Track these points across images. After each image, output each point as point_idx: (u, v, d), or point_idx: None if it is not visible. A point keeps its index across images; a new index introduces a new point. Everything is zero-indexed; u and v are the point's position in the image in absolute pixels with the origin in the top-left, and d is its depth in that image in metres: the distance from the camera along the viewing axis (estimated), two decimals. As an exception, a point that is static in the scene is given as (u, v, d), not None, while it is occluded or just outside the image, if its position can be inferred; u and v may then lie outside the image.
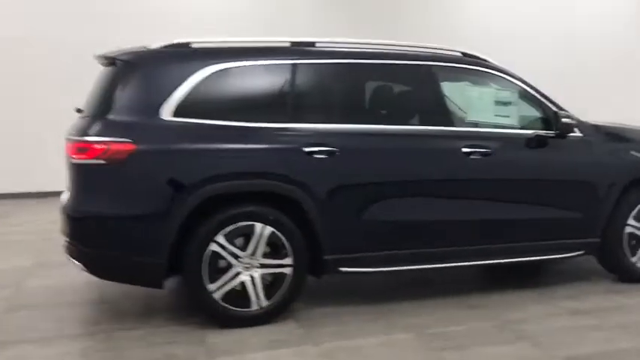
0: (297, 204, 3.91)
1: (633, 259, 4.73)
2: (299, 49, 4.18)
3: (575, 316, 4.11)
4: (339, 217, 4.01)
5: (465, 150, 4.23)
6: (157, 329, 3.87)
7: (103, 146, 3.63)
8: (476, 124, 4.44)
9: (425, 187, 4.22)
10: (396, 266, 4.21)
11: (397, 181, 4.16)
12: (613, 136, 4.84)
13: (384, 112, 4.44)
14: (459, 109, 4.52)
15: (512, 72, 4.58)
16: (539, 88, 4.63)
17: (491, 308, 4.21)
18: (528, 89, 4.55)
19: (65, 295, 4.50)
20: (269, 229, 3.86)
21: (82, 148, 3.67)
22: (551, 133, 4.49)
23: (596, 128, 4.76)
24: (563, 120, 4.39)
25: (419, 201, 4.21)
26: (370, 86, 4.41)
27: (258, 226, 3.84)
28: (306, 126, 4.01)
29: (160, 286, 3.83)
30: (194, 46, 4.03)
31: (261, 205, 3.89)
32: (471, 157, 4.25)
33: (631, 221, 4.69)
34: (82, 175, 3.74)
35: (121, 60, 3.88)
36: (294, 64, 4.06)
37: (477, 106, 4.47)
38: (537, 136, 4.46)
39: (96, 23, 8.74)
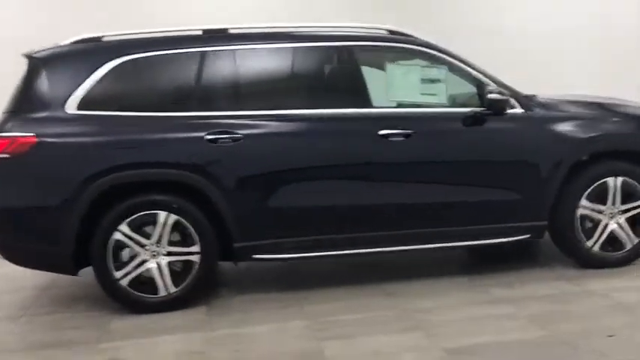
0: (202, 192, 3.93)
1: (589, 244, 4.37)
2: (209, 36, 4.17)
3: (494, 304, 3.87)
4: (246, 204, 3.99)
5: (382, 132, 4.06)
6: (73, 314, 4.05)
7: (7, 140, 3.81)
8: (399, 105, 4.25)
9: (336, 172, 4.11)
10: (313, 252, 4.14)
11: (305, 166, 4.08)
12: (561, 111, 4.46)
13: (294, 96, 4.30)
14: (381, 89, 4.32)
15: (442, 48, 4.33)
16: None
17: (406, 296, 4.04)
18: (461, 65, 4.29)
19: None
20: (173, 217, 3.92)
21: None
22: (486, 110, 4.22)
23: (543, 103, 4.42)
24: (490, 96, 4.10)
25: (330, 186, 4.10)
26: (280, 70, 4.31)
27: (162, 214, 3.90)
28: (210, 114, 4.00)
29: (73, 273, 3.99)
30: (105, 39, 4.13)
31: (169, 194, 3.94)
32: (390, 139, 4.08)
33: (584, 202, 4.33)
34: None
35: (31, 57, 4.03)
36: (202, 52, 4.07)
37: (400, 86, 4.26)
38: (470, 114, 4.20)
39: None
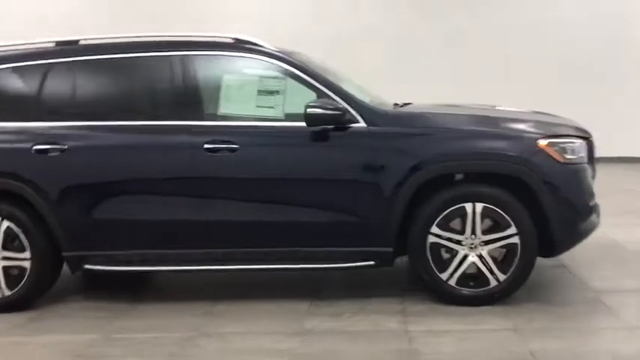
0: (27, 201, 4.06)
1: (443, 276, 3.87)
2: (58, 48, 4.27)
3: (283, 336, 3.57)
4: (72, 215, 4.05)
5: (207, 146, 3.91)
6: None
7: None
8: (231, 117, 4.05)
9: (161, 186, 4.03)
10: (143, 266, 4.11)
11: (128, 179, 4.05)
12: (415, 126, 3.97)
13: (122, 107, 4.22)
14: (215, 101, 4.12)
15: (290, 58, 4.04)
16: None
17: (222, 318, 3.89)
18: (303, 76, 3.98)
19: None
20: (6, 224, 4.09)
21: None
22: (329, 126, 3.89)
23: (397, 117, 3.98)
24: (308, 110, 3.77)
25: (155, 200, 4.04)
26: (112, 81, 4.27)
27: (-3, 219, 4.09)
28: (39, 125, 4.12)
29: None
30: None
31: (3, 202, 4.11)
32: (215, 153, 3.91)
33: (435, 229, 3.84)
34: None
35: None
36: (46, 64, 4.19)
37: (235, 97, 4.08)
38: (303, 128, 3.89)
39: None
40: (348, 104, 3.90)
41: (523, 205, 3.79)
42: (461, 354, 3.26)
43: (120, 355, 3.45)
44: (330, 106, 3.79)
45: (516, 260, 3.83)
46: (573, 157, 3.89)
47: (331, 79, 4.08)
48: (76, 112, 4.18)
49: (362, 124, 3.88)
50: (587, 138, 4.09)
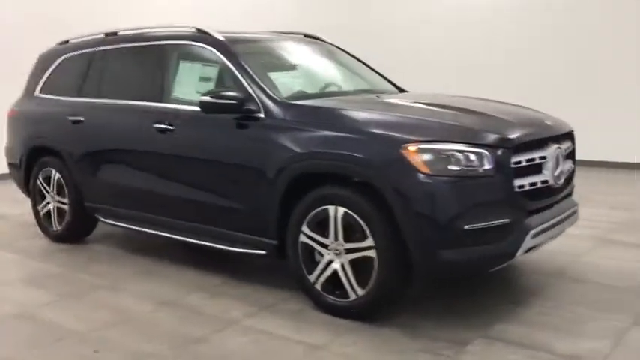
0: (61, 157, 5.24)
1: (310, 278, 3.72)
2: (105, 39, 5.28)
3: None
4: (84, 173, 5.09)
5: (155, 125, 4.47)
6: None
7: (9, 111, 5.93)
8: (180, 101, 4.46)
9: (129, 157, 4.73)
10: (135, 226, 4.82)
11: (111, 149, 4.88)
12: (303, 121, 3.74)
13: (113, 88, 4.98)
14: (174, 85, 4.56)
15: (227, 46, 4.24)
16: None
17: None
18: (229, 65, 4.15)
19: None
20: (57, 176, 5.36)
21: None
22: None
23: (293, 110, 3.84)
24: (201, 98, 3.95)
25: (125, 168, 4.77)
26: (106, 67, 5.12)
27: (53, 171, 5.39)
28: (74, 99, 5.22)
29: None
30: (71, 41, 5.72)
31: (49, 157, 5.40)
32: (158, 132, 4.44)
33: (305, 229, 3.69)
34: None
35: None
36: (93, 52, 5.27)
37: (182, 83, 4.49)
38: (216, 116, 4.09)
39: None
40: (256, 94, 3.95)
41: (385, 218, 3.35)
42: (234, 353, 3.22)
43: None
44: (225, 95, 3.91)
45: (373, 276, 3.42)
46: (456, 168, 3.23)
47: (258, 69, 4.13)
48: (92, 91, 5.15)
49: (261, 114, 3.90)
50: (504, 147, 3.31)
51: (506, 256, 3.35)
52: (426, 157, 3.24)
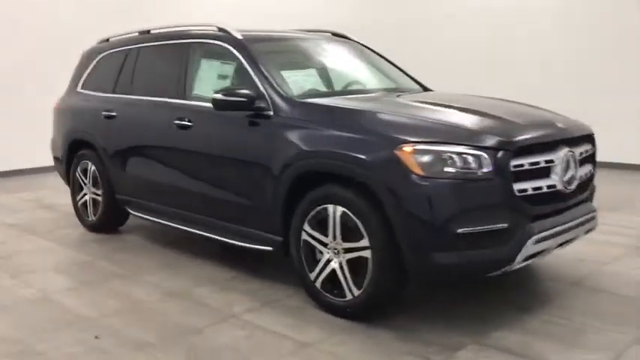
0: (96, 150, 5.47)
1: (312, 276, 3.74)
2: (138, 37, 5.46)
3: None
4: (115, 167, 5.29)
5: (176, 122, 4.60)
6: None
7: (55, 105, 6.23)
8: (200, 98, 4.56)
9: (153, 152, 4.87)
10: (158, 218, 4.98)
11: (136, 145, 5.04)
12: (310, 120, 3.74)
13: (142, 85, 5.12)
14: (193, 83, 4.65)
15: (245, 45, 4.31)
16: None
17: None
18: (245, 65, 4.21)
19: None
20: (92, 169, 5.61)
21: None
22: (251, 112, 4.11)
23: (302, 109, 3.86)
24: (214, 96, 4.02)
25: (149, 162, 4.92)
26: (138, 64, 5.26)
27: (89, 163, 5.63)
28: (107, 95, 5.43)
29: None
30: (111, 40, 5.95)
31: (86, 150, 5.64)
32: (179, 128, 4.57)
33: (306, 227, 3.71)
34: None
35: None
36: (127, 50, 5.47)
37: (202, 80, 4.59)
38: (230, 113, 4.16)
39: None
40: (267, 92, 4.00)
41: (381, 219, 3.32)
42: (225, 346, 3.28)
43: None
44: (236, 93, 3.98)
45: (368, 276, 3.41)
46: (452, 170, 3.17)
47: (272, 67, 4.18)
48: (125, 88, 5.34)
49: (270, 112, 3.95)
50: (505, 150, 3.22)
51: (504, 262, 3.26)
52: (421, 158, 3.19)
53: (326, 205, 3.57)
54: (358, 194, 3.41)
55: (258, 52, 4.29)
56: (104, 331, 3.49)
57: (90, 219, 5.72)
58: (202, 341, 3.34)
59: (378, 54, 5.30)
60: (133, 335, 3.43)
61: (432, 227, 3.16)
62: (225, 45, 4.44)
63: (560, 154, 3.47)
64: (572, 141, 3.65)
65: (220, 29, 4.57)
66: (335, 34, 5.35)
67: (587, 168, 3.83)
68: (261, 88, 4.03)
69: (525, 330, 3.38)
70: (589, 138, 3.92)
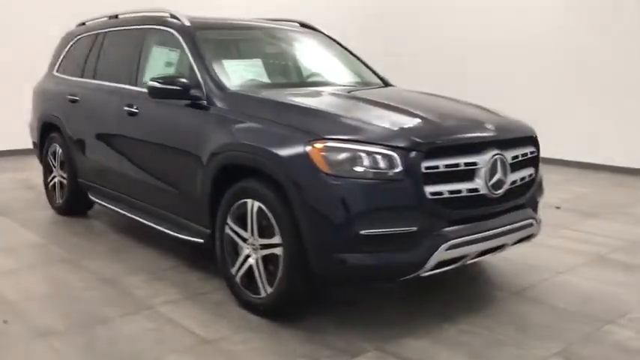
0: (62, 132, 5.50)
1: (232, 271, 3.67)
2: (107, 21, 5.45)
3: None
4: (76, 150, 5.32)
5: (125, 108, 4.57)
6: None
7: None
8: (145, 85, 4.49)
9: (104, 137, 4.87)
10: (114, 206, 4.96)
11: (92, 128, 5.05)
12: (239, 111, 3.66)
13: (104, 70, 5.09)
14: (143, 69, 4.60)
15: (189, 32, 4.24)
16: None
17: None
18: (188, 53, 4.14)
19: None
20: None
21: None
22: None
23: (234, 100, 3.77)
24: (149, 83, 3.97)
25: (102, 148, 4.91)
26: (103, 49, 5.23)
27: (57, 146, 5.68)
28: (74, 79, 5.44)
29: None
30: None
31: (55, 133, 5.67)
32: (128, 115, 4.54)
33: (229, 221, 3.63)
34: None
35: None
36: (95, 34, 5.47)
37: (151, 67, 4.54)
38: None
39: None
40: (204, 81, 3.94)
41: (291, 215, 3.22)
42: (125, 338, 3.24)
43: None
44: (171, 81, 3.92)
45: (279, 274, 3.32)
46: (360, 169, 3.05)
47: (214, 56, 4.10)
48: (89, 72, 5.34)
49: (204, 101, 3.88)
50: (416, 150, 3.08)
51: (413, 267, 3.12)
52: (330, 155, 3.08)
53: (246, 200, 3.48)
54: (272, 190, 3.31)
55: (202, 39, 4.21)
56: (16, 316, 3.49)
57: (57, 202, 5.76)
58: (106, 331, 3.30)
59: (344, 47, 5.16)
60: (42, 322, 3.42)
61: (334, 227, 3.05)
62: (172, 31, 4.38)
63: (486, 157, 3.30)
64: (504, 143, 3.47)
65: (172, 15, 4.51)
66: (303, 25, 5.23)
67: (524, 172, 3.64)
68: (199, 77, 3.96)
69: (436, 339, 3.24)
70: (530, 140, 3.73)
